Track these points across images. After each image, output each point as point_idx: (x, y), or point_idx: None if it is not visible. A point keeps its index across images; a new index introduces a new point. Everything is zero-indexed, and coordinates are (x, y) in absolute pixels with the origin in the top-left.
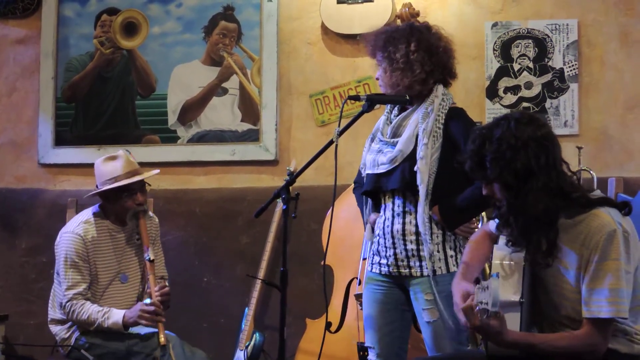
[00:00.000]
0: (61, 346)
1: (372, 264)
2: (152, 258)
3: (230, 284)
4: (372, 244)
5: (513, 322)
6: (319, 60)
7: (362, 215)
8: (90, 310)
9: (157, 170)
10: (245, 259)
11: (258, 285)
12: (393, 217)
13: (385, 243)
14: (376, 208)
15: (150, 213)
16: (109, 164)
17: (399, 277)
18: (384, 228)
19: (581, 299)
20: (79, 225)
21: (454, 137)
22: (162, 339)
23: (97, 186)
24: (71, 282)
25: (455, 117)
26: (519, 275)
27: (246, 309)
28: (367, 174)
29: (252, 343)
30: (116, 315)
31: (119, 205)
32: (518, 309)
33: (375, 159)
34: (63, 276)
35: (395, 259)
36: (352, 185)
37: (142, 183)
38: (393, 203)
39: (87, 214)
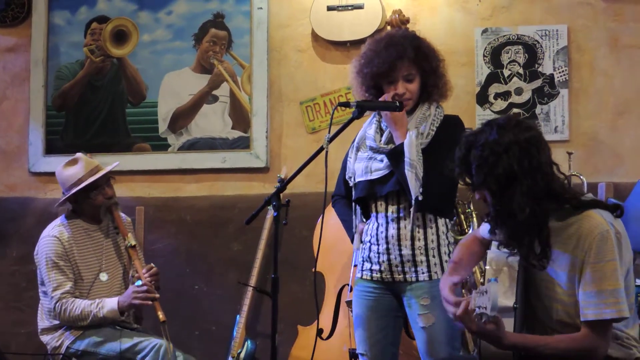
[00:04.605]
0: (52, 355)
1: (363, 270)
2: (133, 244)
3: (221, 291)
4: (361, 251)
5: (506, 327)
6: (309, 67)
7: (345, 226)
8: (82, 304)
9: (116, 163)
10: (236, 267)
11: (249, 292)
12: (387, 222)
13: (378, 249)
14: (364, 216)
15: (124, 217)
16: (70, 169)
17: (392, 283)
18: (377, 234)
19: (575, 302)
20: (53, 229)
21: (443, 140)
22: (160, 316)
23: (63, 193)
24: (56, 283)
25: (452, 125)
26: (512, 280)
27: (237, 316)
28: (359, 182)
29: (243, 350)
30: (110, 303)
31: (90, 204)
32: (511, 314)
33: (367, 165)
34: (47, 279)
35: (389, 265)
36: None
37: (107, 178)
38: (386, 209)
39: (60, 219)
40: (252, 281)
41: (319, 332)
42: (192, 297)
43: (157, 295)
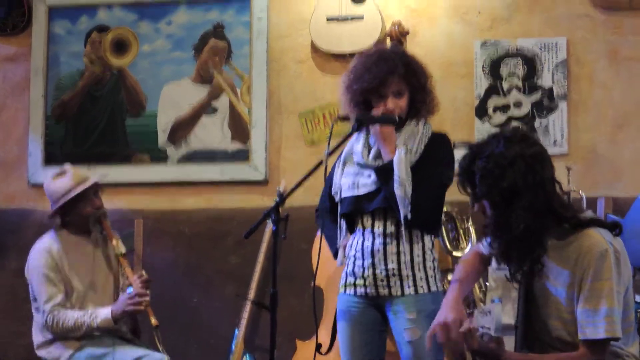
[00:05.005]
0: None
1: (346, 285)
2: (123, 252)
3: (219, 304)
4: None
5: (507, 345)
6: (309, 79)
7: (328, 242)
8: (74, 315)
9: (105, 174)
10: (234, 280)
11: (248, 306)
12: (374, 238)
13: (363, 264)
14: (348, 231)
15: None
16: (59, 181)
17: (376, 298)
18: (362, 249)
19: (574, 319)
20: (42, 243)
21: (433, 156)
22: (153, 321)
23: (52, 206)
24: (47, 296)
25: (441, 143)
26: (514, 298)
27: (236, 329)
28: (346, 197)
29: None
30: (103, 313)
31: (79, 215)
32: (512, 332)
33: (354, 181)
34: (38, 293)
35: (374, 279)
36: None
37: (95, 189)
38: (373, 225)
39: (49, 233)
40: (251, 294)
41: (318, 346)
42: (190, 309)
43: (148, 299)
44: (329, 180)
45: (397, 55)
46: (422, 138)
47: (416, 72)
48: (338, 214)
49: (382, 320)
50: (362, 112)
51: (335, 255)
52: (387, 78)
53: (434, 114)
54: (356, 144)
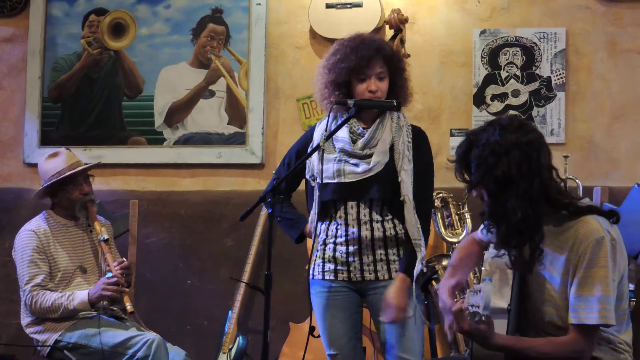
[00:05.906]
0: (44, 346)
1: (324, 271)
2: (106, 238)
3: (214, 286)
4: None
5: (500, 328)
6: (307, 65)
7: (287, 224)
8: (53, 297)
9: (97, 161)
10: (229, 262)
11: (242, 288)
12: (359, 225)
13: (347, 249)
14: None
15: (102, 219)
16: (52, 161)
17: (360, 283)
18: (347, 235)
19: (567, 305)
20: (30, 224)
21: (422, 159)
22: (128, 307)
23: (42, 185)
24: (28, 276)
25: (425, 140)
26: (508, 281)
27: (230, 312)
28: (329, 183)
29: (235, 346)
30: (80, 295)
31: (66, 198)
32: (505, 316)
33: (340, 168)
34: (21, 273)
35: (361, 264)
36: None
37: (85, 174)
38: (358, 212)
39: (39, 216)
40: (245, 277)
41: (311, 329)
42: (184, 291)
43: (127, 290)
44: (287, 164)
45: (381, 40)
46: (407, 131)
47: (398, 56)
48: (315, 200)
49: (360, 301)
50: (337, 98)
51: (299, 239)
52: (374, 58)
53: (408, 103)
54: (340, 130)
